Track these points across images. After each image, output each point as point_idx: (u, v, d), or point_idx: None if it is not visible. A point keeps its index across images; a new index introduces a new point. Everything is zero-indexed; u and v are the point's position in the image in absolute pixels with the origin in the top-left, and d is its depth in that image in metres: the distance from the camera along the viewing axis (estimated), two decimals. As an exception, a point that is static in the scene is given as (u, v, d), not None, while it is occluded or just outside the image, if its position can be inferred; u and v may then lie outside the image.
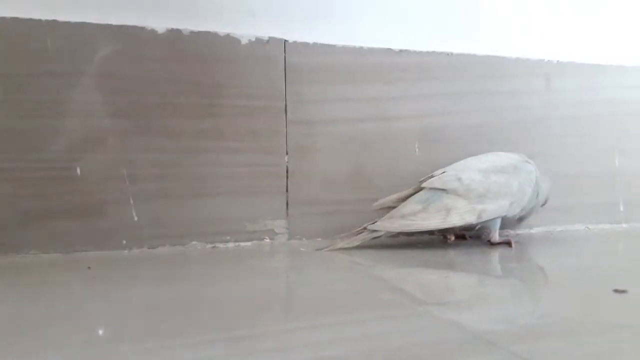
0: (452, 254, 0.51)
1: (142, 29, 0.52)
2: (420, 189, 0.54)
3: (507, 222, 0.56)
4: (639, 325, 0.29)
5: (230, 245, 0.54)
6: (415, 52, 0.61)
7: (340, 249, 0.52)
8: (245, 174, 0.55)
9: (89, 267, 0.43)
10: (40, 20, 0.49)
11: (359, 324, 0.30)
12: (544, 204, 0.58)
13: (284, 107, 0.56)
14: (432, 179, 0.53)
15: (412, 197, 0.54)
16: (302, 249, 0.53)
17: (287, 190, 0.56)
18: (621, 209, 0.70)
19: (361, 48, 0.59)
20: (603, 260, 0.51)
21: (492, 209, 0.51)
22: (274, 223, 0.55)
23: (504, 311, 0.33)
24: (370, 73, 0.59)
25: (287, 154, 0.56)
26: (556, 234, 0.63)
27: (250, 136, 0.55)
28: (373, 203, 0.57)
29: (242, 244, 0.54)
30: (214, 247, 0.53)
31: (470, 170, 0.53)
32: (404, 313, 0.32)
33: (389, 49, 0.60)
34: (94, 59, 0.50)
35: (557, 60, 0.67)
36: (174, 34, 0.53)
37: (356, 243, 0.52)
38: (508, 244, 0.53)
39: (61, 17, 0.49)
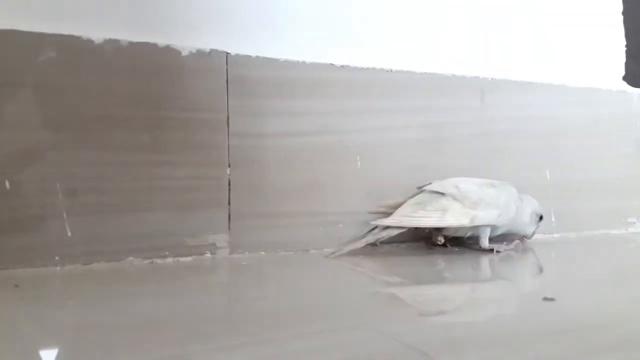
0: (401, 261, 0.52)
1: (78, 38, 0.50)
2: (419, 192, 0.59)
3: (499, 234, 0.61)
4: (566, 332, 0.31)
5: (169, 260, 0.52)
6: (356, 68, 0.62)
7: (348, 252, 0.55)
8: (185, 187, 0.54)
9: (16, 285, 0.41)
10: (-34, 27, 0.47)
11: (297, 338, 0.29)
12: (540, 220, 0.63)
13: (226, 119, 0.56)
14: (431, 184, 0.59)
15: (411, 199, 0.58)
16: (244, 263, 0.52)
17: (229, 204, 0.55)
18: (553, 219, 0.73)
19: (304, 62, 0.59)
20: (535, 268, 0.53)
21: (483, 215, 0.57)
22: (215, 237, 0.55)
23: (436, 321, 0.34)
24: (313, 87, 0.60)
25: (229, 166, 0.56)
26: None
27: (190, 149, 0.54)
28: (315, 216, 0.58)
29: (182, 259, 0.53)
30: (151, 262, 0.51)
31: (466, 182, 0.59)
32: (341, 326, 0.32)
33: (331, 64, 0.61)
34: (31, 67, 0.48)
35: (492, 77, 0.70)
36: (112, 45, 0.51)
37: (361, 245, 0.56)
38: (494, 250, 0.58)
39: (-10, 24, 0.47)
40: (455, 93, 0.67)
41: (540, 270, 0.54)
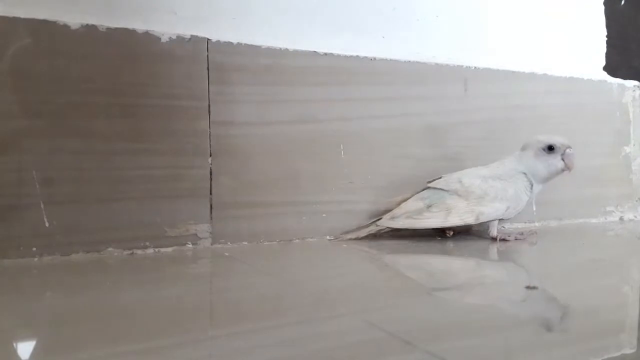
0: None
1: (54, 23, 0.49)
2: (426, 188, 0.60)
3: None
4: (548, 320, 0.31)
5: (150, 251, 0.51)
6: (339, 56, 0.61)
7: (349, 239, 0.58)
8: (165, 177, 0.53)
9: (-8, 278, 0.40)
10: (-64, 11, 0.45)
11: (278, 329, 0.29)
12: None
13: (207, 107, 0.55)
14: (437, 180, 0.59)
15: (416, 194, 0.60)
16: (227, 254, 0.51)
17: (211, 193, 0.55)
18: (534, 208, 0.73)
19: (286, 50, 0.59)
20: (516, 258, 0.54)
21: (489, 212, 0.57)
22: (196, 227, 0.54)
23: (420, 310, 0.34)
24: (295, 75, 0.59)
25: (210, 155, 0.55)
26: (473, 233, 0.65)
27: (170, 137, 0.53)
28: (298, 205, 0.57)
29: (163, 249, 0.52)
30: (131, 253, 0.51)
31: (471, 175, 0.59)
32: (319, 316, 0.32)
33: (314, 52, 0.60)
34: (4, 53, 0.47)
35: (475, 67, 0.70)
36: (89, 30, 0.50)
37: (363, 234, 0.58)
38: (505, 240, 0.58)
39: (-39, 8, 0.46)
40: (438, 82, 0.67)
41: (523, 259, 0.55)
